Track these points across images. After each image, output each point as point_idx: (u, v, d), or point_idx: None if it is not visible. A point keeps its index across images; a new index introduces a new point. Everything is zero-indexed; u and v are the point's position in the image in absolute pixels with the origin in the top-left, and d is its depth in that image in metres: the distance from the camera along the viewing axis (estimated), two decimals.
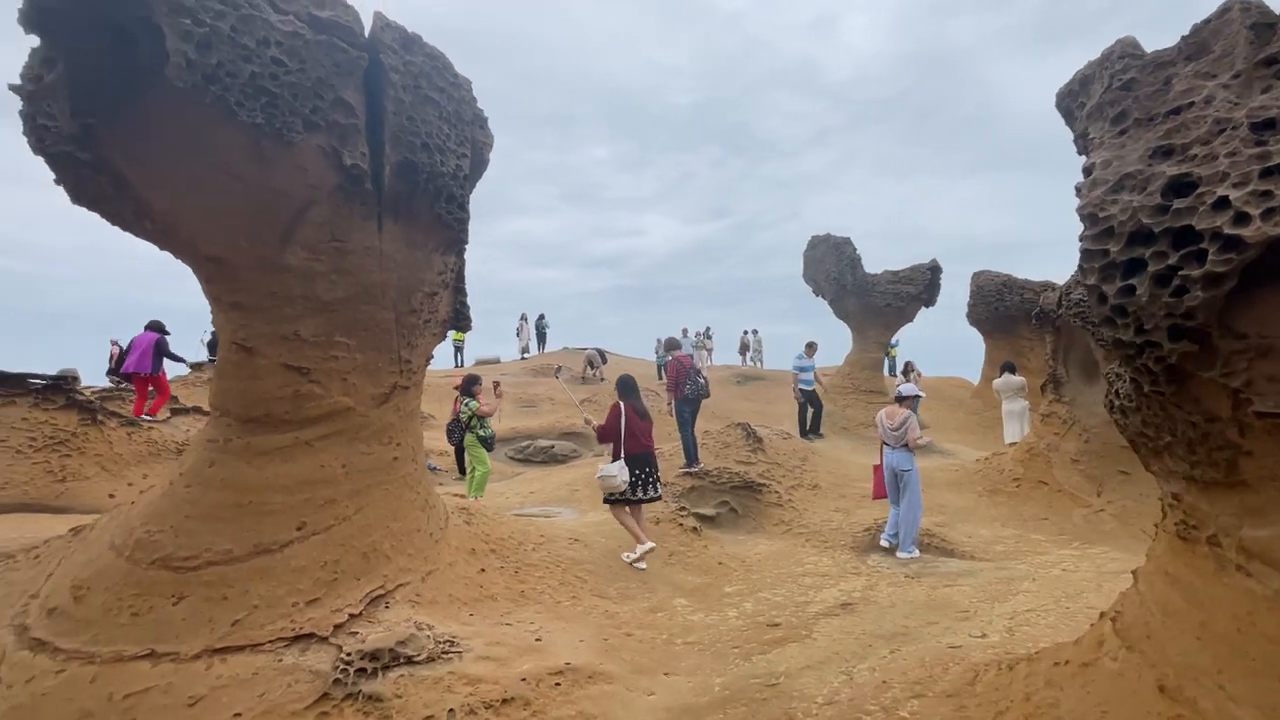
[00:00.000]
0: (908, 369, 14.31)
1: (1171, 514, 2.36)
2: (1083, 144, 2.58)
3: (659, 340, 23.72)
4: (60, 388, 8.35)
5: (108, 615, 3.24)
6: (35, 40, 2.99)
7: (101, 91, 3.02)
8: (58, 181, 3.46)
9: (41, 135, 3.13)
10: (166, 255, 3.71)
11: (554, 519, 7.78)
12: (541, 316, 28.23)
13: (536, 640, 3.94)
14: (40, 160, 3.24)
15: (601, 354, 21.03)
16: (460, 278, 5.25)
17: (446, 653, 3.52)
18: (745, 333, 26.43)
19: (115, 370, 17.98)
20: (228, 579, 3.46)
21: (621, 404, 6.13)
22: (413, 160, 3.78)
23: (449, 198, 4.13)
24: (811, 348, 11.82)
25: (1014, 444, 9.67)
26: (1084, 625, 3.43)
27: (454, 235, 4.44)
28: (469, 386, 8.68)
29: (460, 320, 5.40)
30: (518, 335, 26.54)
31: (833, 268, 12.95)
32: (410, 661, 3.38)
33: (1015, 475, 8.41)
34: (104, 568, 3.41)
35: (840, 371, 13.62)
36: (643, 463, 6.03)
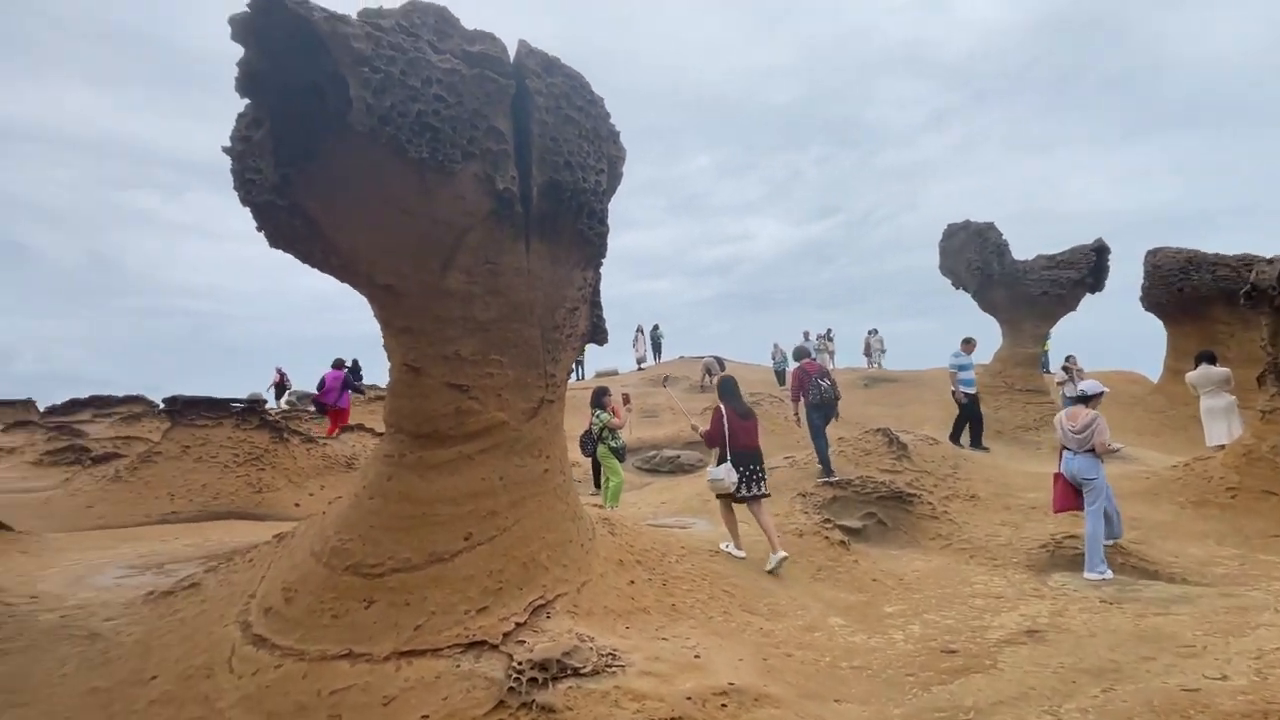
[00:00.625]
0: (1069, 364, 12.72)
1: None
2: None
3: (775, 345, 23.12)
4: (254, 411, 9.57)
5: (312, 616, 3.56)
6: (236, 107, 3.41)
7: (296, 144, 3.37)
8: (259, 228, 3.91)
9: (249, 188, 3.54)
10: (319, 294, 4.07)
11: (690, 530, 7.69)
12: (656, 327, 28.50)
13: (695, 657, 3.84)
14: (221, 216, 3.67)
15: (719, 361, 20.80)
16: (597, 292, 5.33)
17: (610, 666, 3.52)
18: (869, 333, 25.03)
19: (278, 394, 20.67)
20: (409, 585, 3.69)
21: (721, 406, 6.26)
22: (557, 179, 3.88)
23: (590, 213, 4.21)
24: (969, 344, 10.60)
25: (1222, 446, 8.23)
26: None
27: (594, 250, 4.52)
28: (599, 398, 8.86)
29: (597, 334, 5.48)
30: (634, 346, 26.98)
31: (975, 256, 11.85)
32: (577, 673, 3.40)
33: (1230, 484, 7.14)
34: (306, 573, 3.77)
35: (990, 370, 12.39)
36: (747, 460, 6.11)
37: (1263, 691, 3.28)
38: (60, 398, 22.40)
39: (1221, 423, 8.65)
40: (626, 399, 9.67)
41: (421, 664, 3.40)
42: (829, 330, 24.58)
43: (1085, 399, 6.09)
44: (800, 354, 9.41)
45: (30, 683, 3.69)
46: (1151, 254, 14.06)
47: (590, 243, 4.37)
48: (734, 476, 6.01)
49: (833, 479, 8.05)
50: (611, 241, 4.63)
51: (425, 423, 4.04)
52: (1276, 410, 7.01)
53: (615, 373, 27.50)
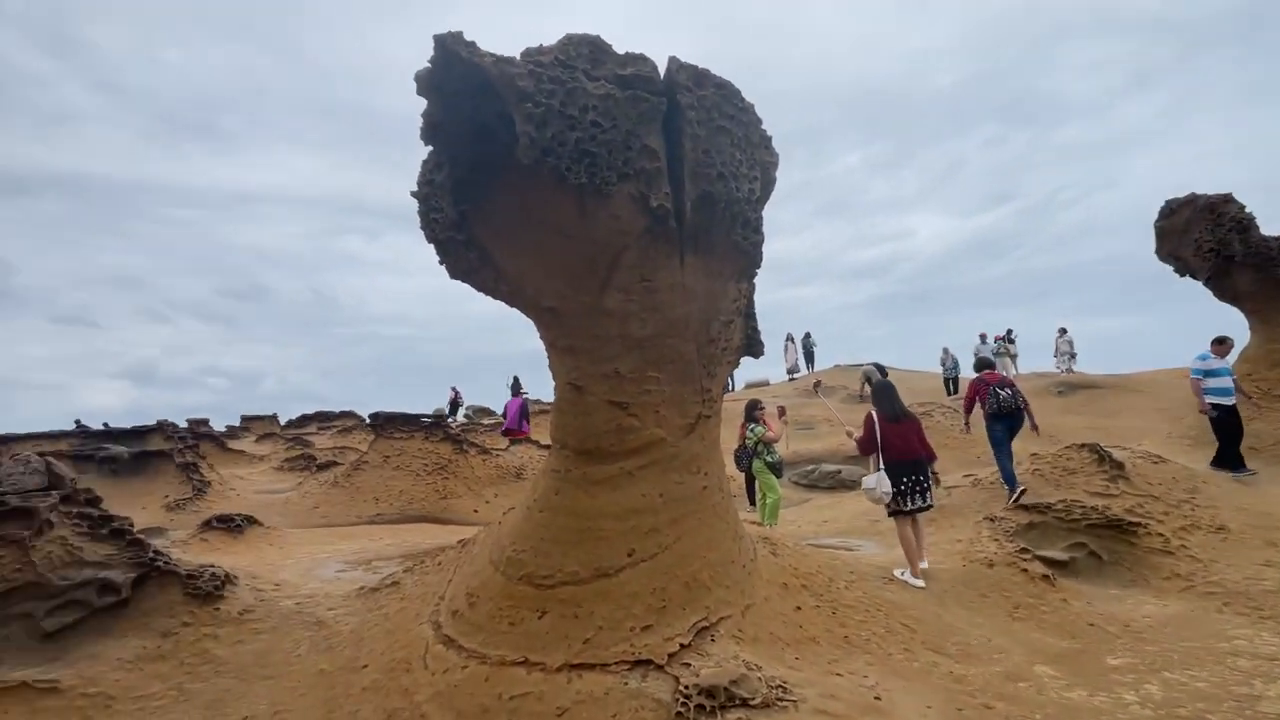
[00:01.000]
0: None
1: None
2: None
3: (945, 350, 21.00)
4: (439, 425, 10.66)
5: (492, 622, 3.79)
6: (411, 154, 3.78)
7: (470, 183, 3.67)
8: (440, 262, 4.31)
9: (432, 226, 3.91)
10: (488, 317, 4.35)
11: (857, 553, 7.15)
12: (808, 335, 27.45)
13: (876, 699, 3.49)
14: (410, 254, 4.07)
15: (880, 368, 19.40)
16: (751, 303, 5.17)
17: (780, 700, 3.32)
18: (1059, 333, 21.84)
19: (451, 410, 23.13)
20: (577, 598, 3.80)
21: (873, 411, 6.04)
22: (710, 191, 3.81)
23: (744, 223, 4.08)
24: (1223, 344, 8.69)
25: None
26: None
27: (749, 260, 4.38)
28: (752, 411, 8.63)
29: (753, 346, 5.31)
30: (784, 356, 26.15)
31: (1207, 235, 9.82)
32: (745, 704, 3.25)
33: None
34: (486, 580, 4.03)
35: (1238, 373, 10.18)
36: (905, 470, 5.77)
37: None
38: (296, 412, 26.84)
39: None
40: (782, 411, 9.32)
41: (591, 678, 3.46)
42: (1009, 331, 21.88)
43: None
44: (982, 365, 8.40)
45: (274, 659, 4.34)
46: None
47: (745, 253, 4.25)
48: (887, 486, 5.69)
49: (1023, 500, 7.05)
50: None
51: (588, 439, 4.16)
52: None
53: (766, 383, 26.84)
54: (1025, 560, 5.86)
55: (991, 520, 6.76)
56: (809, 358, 27.13)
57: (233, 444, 17.60)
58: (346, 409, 25.01)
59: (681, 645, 3.68)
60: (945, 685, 3.86)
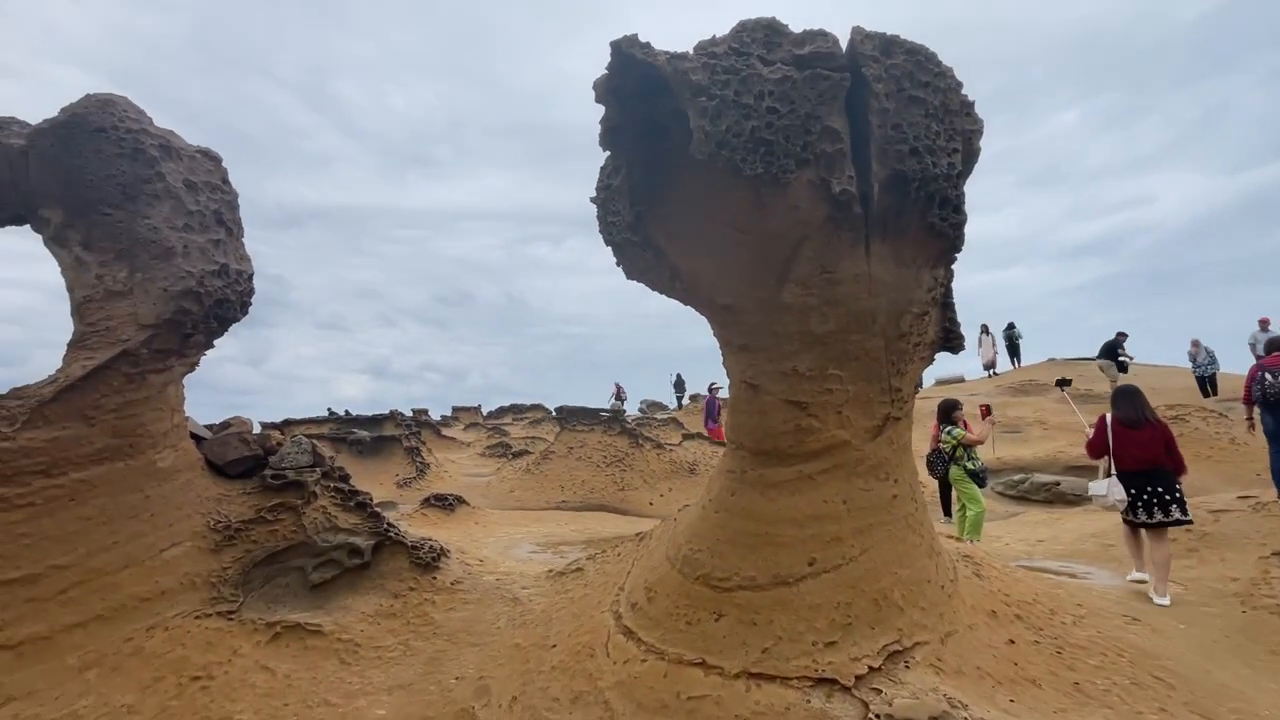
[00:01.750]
0: None
1: None
2: None
3: (1194, 343, 16.97)
4: (617, 419, 11.16)
5: (669, 619, 3.82)
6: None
7: (646, 184, 3.71)
8: (618, 263, 4.45)
9: (610, 229, 4.04)
10: (660, 314, 4.34)
11: (1085, 582, 6.08)
12: (1011, 326, 24.21)
13: None
14: (589, 256, 4.20)
15: (1116, 359, 16.30)
16: (949, 292, 4.61)
17: None
18: None
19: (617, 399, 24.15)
20: (754, 605, 3.67)
21: (1107, 415, 5.77)
22: (901, 170, 3.44)
23: (942, 202, 3.63)
24: None
25: None
26: None
27: (947, 244, 3.88)
28: (949, 412, 7.75)
29: (951, 340, 4.73)
30: (979, 350, 23.26)
31: None
32: None
33: None
34: (663, 576, 4.08)
35: None
36: (1141, 481, 5.42)
37: None
38: (495, 404, 30.00)
39: None
40: (986, 410, 8.26)
41: (770, 690, 3.32)
42: None
43: None
44: (1271, 346, 6.92)
45: (478, 628, 4.83)
46: None
47: (943, 235, 3.77)
48: (1119, 494, 5.46)
49: None
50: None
51: (765, 440, 4.00)
52: None
53: (961, 379, 24.15)
54: None
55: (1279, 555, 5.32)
56: (1014, 352, 23.84)
57: (446, 431, 20.19)
58: (536, 402, 27.40)
59: (870, 668, 3.39)
60: None
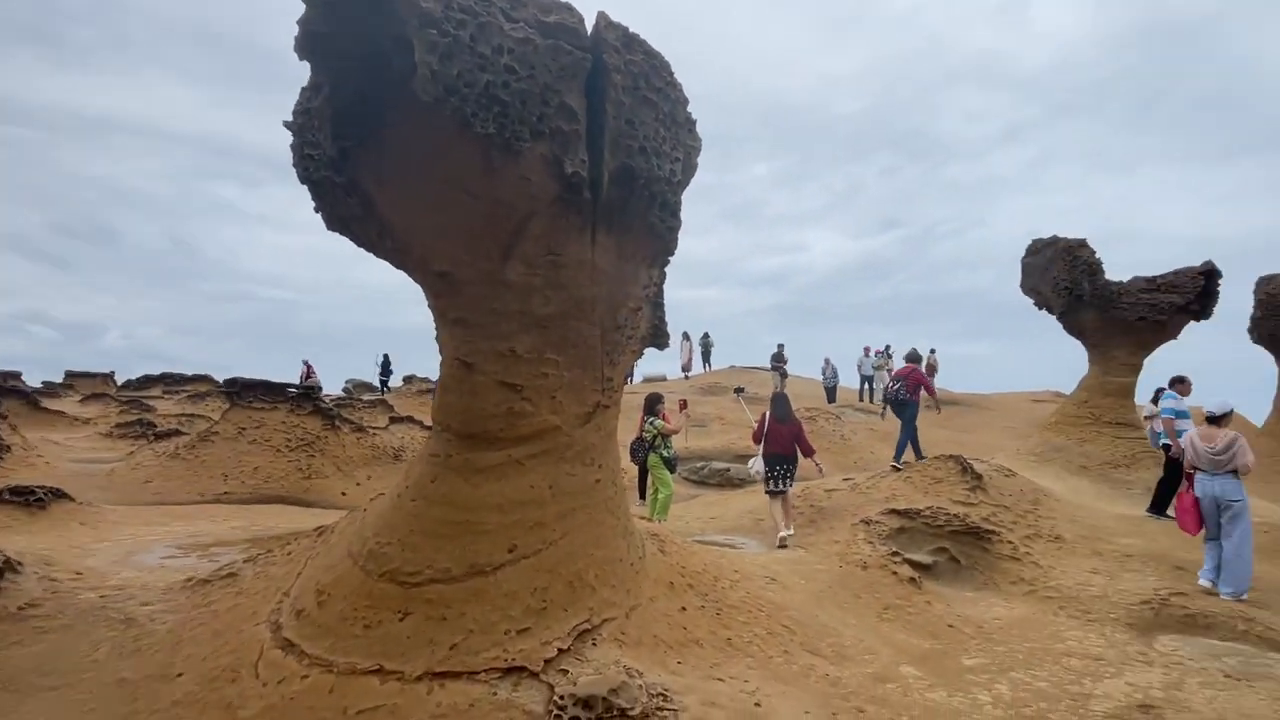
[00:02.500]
0: (1158, 396, 11.58)
1: None
2: None
3: (826, 360, 22.34)
4: (309, 396, 9.63)
5: (344, 624, 3.31)
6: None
7: (356, 118, 3.15)
8: (316, 208, 3.73)
9: (307, 164, 3.35)
10: (377, 288, 3.85)
11: (741, 550, 7.23)
12: (706, 335, 28.05)
13: (756, 705, 3.42)
14: (294, 209, 3.48)
15: (778, 366, 20.08)
16: (660, 292, 4.98)
17: (660, 709, 3.14)
18: (930, 352, 23.81)
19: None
20: (446, 598, 3.41)
21: (766, 413, 7.73)
22: (630, 165, 3.55)
23: (663, 204, 3.86)
24: (1184, 384, 8.34)
25: None
26: None
27: (663, 245, 4.17)
28: (653, 405, 8.51)
29: (658, 337, 5.11)
30: (680, 353, 26.55)
31: (1063, 275, 10.93)
32: (624, 715, 3.03)
33: None
34: (342, 575, 3.54)
35: (1075, 399, 11.42)
36: (777, 462, 7.45)
37: None
38: (139, 372, 23.61)
39: None
40: (684, 404, 9.29)
41: (455, 687, 3.10)
42: (888, 347, 23.53)
43: (1217, 419, 6.06)
44: (908, 358, 10.53)
45: (61, 665, 3.58)
46: (1264, 281, 12.78)
47: (660, 237, 4.02)
48: (759, 467, 7.49)
49: (900, 465, 8.89)
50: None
51: (474, 422, 3.76)
52: None
53: (664, 379, 27.13)
54: (895, 563, 6.14)
55: (867, 524, 7.06)
56: (706, 357, 27.74)
57: (49, 403, 15.09)
58: (202, 373, 22.37)
59: (560, 650, 3.41)
60: (821, 689, 3.88)
